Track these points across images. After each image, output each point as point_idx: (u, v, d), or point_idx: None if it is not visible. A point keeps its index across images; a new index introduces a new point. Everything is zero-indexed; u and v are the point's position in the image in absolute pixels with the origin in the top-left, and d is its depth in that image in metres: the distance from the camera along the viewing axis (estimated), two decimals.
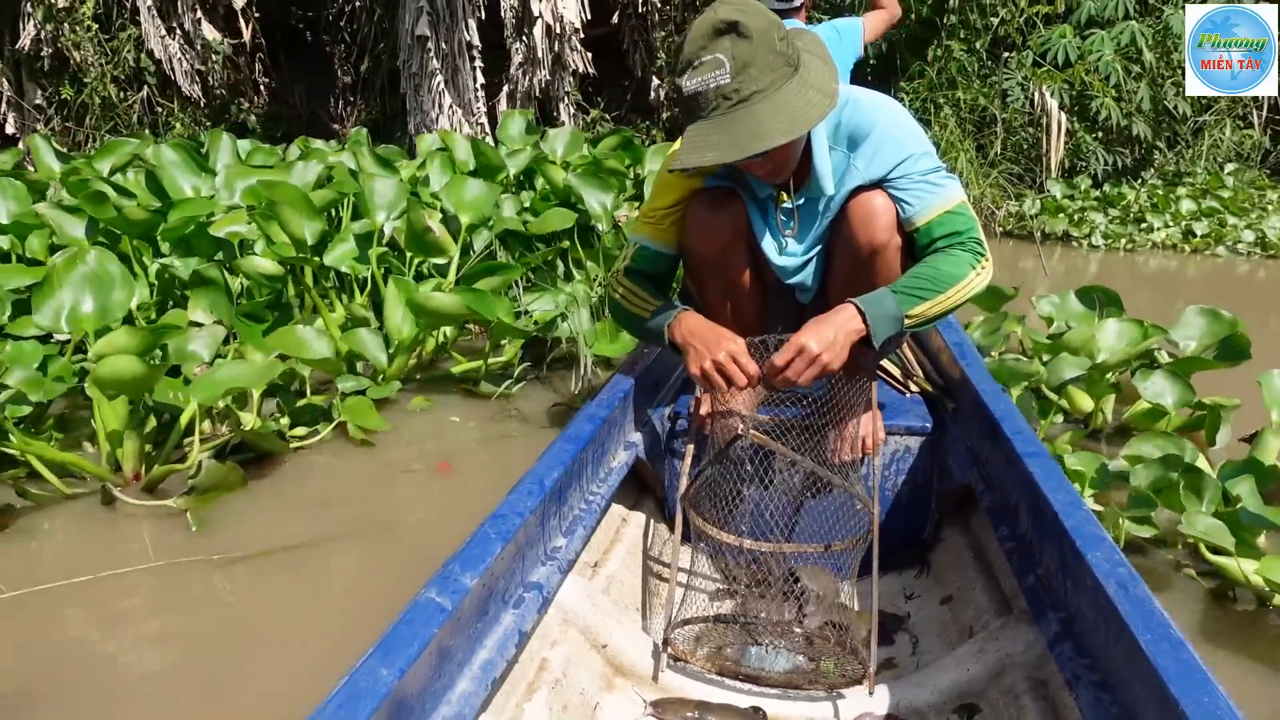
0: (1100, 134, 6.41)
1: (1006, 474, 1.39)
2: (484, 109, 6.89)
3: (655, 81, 7.67)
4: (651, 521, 1.77)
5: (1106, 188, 6.39)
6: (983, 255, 1.44)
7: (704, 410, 1.62)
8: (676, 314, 1.52)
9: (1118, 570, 0.99)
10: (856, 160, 1.45)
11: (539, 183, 4.31)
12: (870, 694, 1.30)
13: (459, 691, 0.99)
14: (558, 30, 6.72)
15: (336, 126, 8.13)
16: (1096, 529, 1.09)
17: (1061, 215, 6.02)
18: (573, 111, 7.20)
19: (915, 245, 1.47)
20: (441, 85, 6.64)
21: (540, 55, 6.76)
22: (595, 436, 1.46)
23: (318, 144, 5.01)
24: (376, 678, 0.82)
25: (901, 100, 5.77)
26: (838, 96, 1.34)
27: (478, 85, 6.88)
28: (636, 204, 3.96)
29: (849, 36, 3.31)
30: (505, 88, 6.96)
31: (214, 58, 7.37)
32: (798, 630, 1.42)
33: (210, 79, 7.48)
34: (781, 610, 1.48)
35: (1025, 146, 6.43)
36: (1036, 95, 6.23)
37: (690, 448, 1.60)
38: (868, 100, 1.47)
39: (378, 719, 0.80)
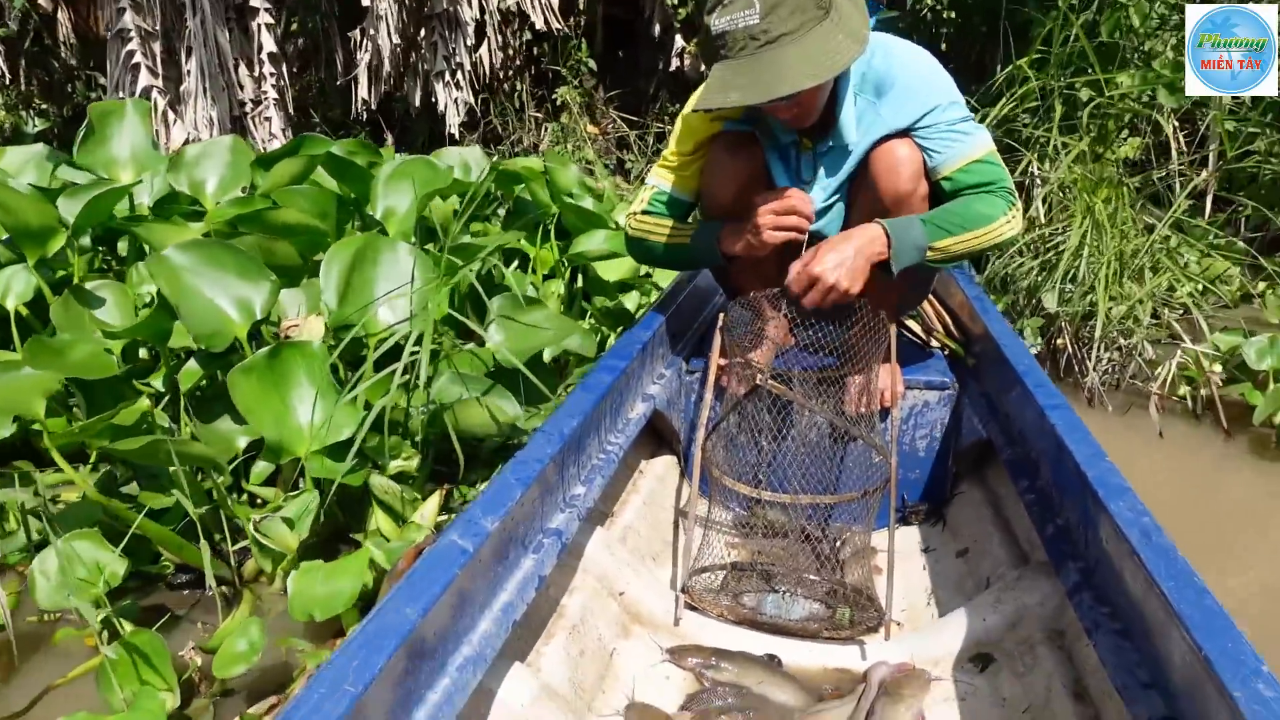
0: None
1: (1028, 427, 1.38)
2: (274, 96, 4.33)
3: (680, 43, 5.03)
4: (668, 473, 1.77)
5: None
6: (1014, 203, 1.43)
7: (721, 361, 1.61)
8: (720, 228, 1.53)
9: (1141, 520, 0.99)
10: (882, 108, 1.42)
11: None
12: (886, 641, 1.31)
13: (480, 632, 1.00)
14: None
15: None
16: (1119, 480, 1.08)
17: None
18: (461, 100, 4.59)
19: (943, 196, 1.45)
20: (139, 55, 4.06)
21: (377, 8, 4.26)
22: (613, 388, 1.45)
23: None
24: (401, 615, 0.83)
25: (1002, 97, 3.25)
26: (868, 42, 1.31)
27: (262, 55, 4.28)
28: (324, 308, 1.90)
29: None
30: (362, 60, 4.53)
31: None
32: (814, 578, 1.43)
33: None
34: (798, 559, 1.48)
35: (1252, 201, 3.04)
36: None
37: (708, 399, 1.59)
38: (898, 49, 1.44)
39: (402, 654, 0.81)
